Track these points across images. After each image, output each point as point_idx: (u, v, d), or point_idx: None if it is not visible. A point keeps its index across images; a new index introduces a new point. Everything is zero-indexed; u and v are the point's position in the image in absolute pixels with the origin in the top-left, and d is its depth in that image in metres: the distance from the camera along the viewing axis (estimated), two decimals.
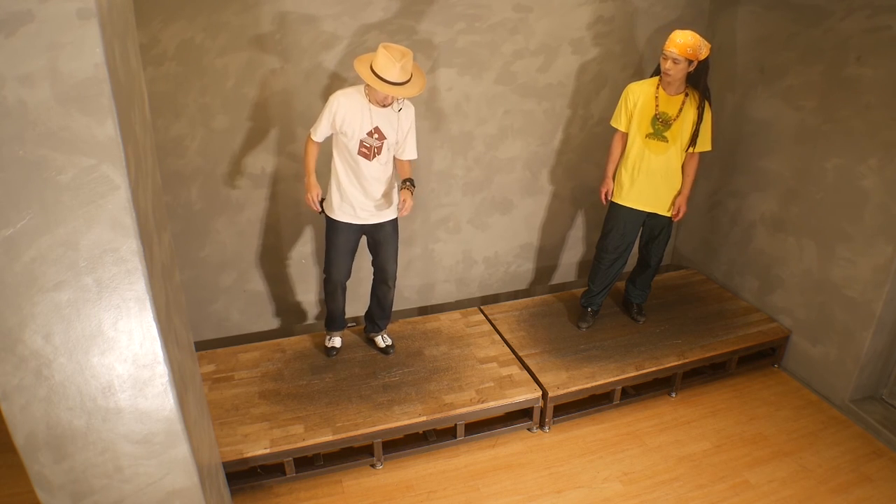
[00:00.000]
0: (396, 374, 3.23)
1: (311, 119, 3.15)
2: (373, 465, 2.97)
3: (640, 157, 3.27)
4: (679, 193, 3.36)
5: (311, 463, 2.90)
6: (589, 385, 3.21)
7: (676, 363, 3.39)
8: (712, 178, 4.11)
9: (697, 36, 2.97)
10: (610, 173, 3.42)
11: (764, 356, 3.73)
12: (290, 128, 3.34)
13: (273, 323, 3.85)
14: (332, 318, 3.32)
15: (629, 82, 3.31)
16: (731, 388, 3.57)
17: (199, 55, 3.02)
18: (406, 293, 4.05)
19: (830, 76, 3.22)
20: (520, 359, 3.39)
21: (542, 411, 3.18)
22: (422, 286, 4.09)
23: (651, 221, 3.45)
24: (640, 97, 3.20)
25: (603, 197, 3.46)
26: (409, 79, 2.65)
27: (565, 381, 3.20)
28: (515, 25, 3.53)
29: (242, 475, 2.79)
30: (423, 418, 2.94)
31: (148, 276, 1.47)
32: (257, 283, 3.69)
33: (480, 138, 3.78)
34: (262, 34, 3.08)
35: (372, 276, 3.29)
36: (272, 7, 3.03)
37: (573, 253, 4.43)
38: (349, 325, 3.67)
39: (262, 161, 3.37)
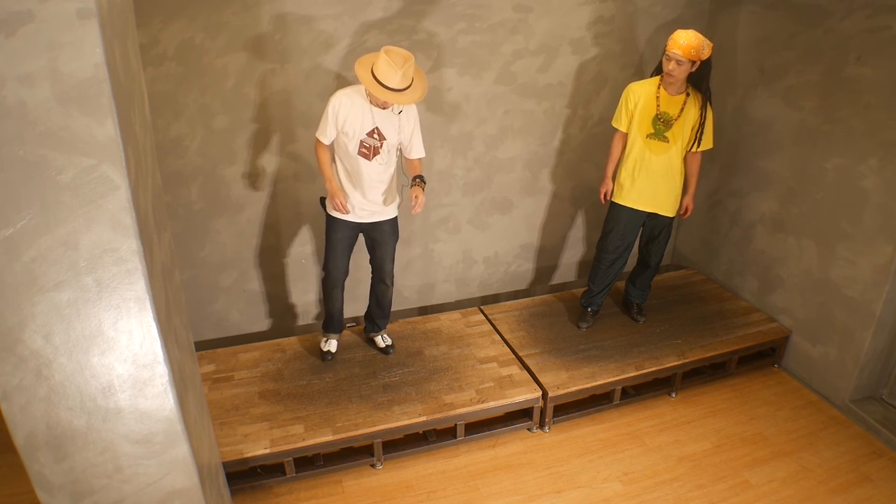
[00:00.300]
0: (396, 374, 3.23)
1: (312, 119, 3.15)
2: (373, 465, 2.97)
3: (640, 158, 3.27)
4: (686, 193, 3.38)
5: (311, 463, 2.90)
6: (589, 385, 3.21)
7: (676, 363, 3.39)
8: (712, 178, 4.11)
9: (700, 36, 2.96)
10: (609, 173, 3.42)
11: (764, 356, 3.73)
12: (290, 128, 3.34)
13: (273, 323, 3.85)
14: (330, 318, 3.30)
15: (629, 82, 3.31)
16: (731, 388, 3.57)
17: (199, 55, 3.02)
18: (406, 293, 4.05)
19: (830, 76, 3.22)
20: (520, 359, 3.39)
21: (542, 411, 3.18)
22: (422, 286, 4.09)
23: (651, 221, 3.45)
24: (641, 97, 3.20)
25: (602, 197, 3.46)
26: (411, 84, 2.64)
27: (565, 381, 3.21)
28: (515, 25, 3.53)
29: (242, 475, 2.79)
30: (423, 418, 2.94)
31: (148, 276, 1.47)
32: (257, 283, 3.69)
33: (480, 138, 3.78)
34: (262, 34, 3.08)
35: (371, 276, 3.29)
36: (272, 7, 3.03)
37: (573, 253, 4.43)
38: (349, 325, 3.67)
39: (263, 161, 3.37)
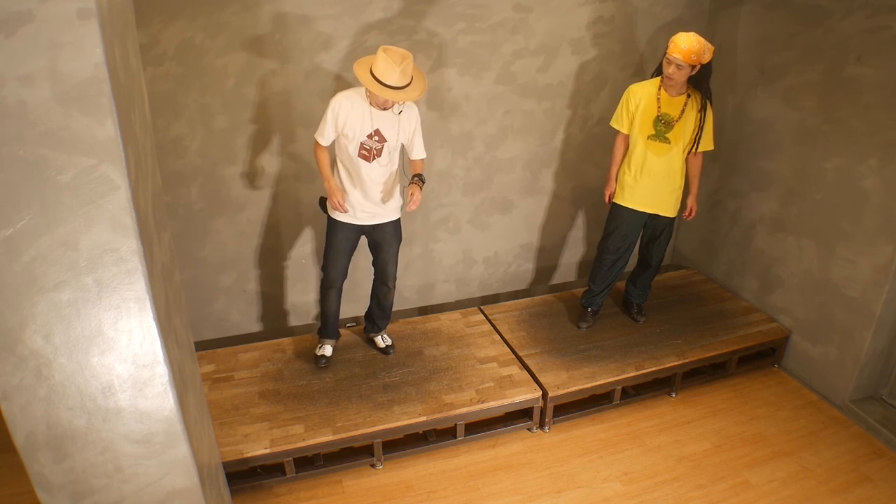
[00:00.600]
0: (396, 374, 3.23)
1: (312, 119, 3.15)
2: (373, 465, 2.97)
3: (642, 159, 3.27)
4: (689, 194, 3.39)
5: (311, 463, 2.90)
6: (589, 385, 3.21)
7: (676, 363, 3.39)
8: (712, 178, 4.11)
9: (701, 39, 2.95)
10: (614, 175, 3.42)
11: (764, 356, 3.73)
12: (290, 128, 3.34)
13: (273, 323, 3.85)
14: (326, 321, 3.27)
15: (629, 82, 3.31)
16: (731, 388, 3.57)
17: (199, 55, 3.02)
18: (406, 293, 4.05)
19: (830, 76, 3.22)
20: (520, 359, 3.39)
21: (542, 411, 3.18)
22: (422, 286, 4.09)
23: (652, 222, 3.45)
24: (641, 99, 3.19)
25: (607, 198, 3.47)
26: (410, 82, 2.64)
27: (565, 381, 3.21)
28: (515, 25, 3.53)
29: (242, 475, 2.79)
30: (423, 418, 2.95)
31: (148, 276, 1.47)
32: (257, 284, 3.69)
33: (480, 138, 3.78)
34: (262, 34, 3.08)
35: (372, 278, 3.29)
36: (272, 7, 3.03)
37: (573, 253, 4.44)
38: (349, 324, 3.67)
39: (263, 161, 3.37)
